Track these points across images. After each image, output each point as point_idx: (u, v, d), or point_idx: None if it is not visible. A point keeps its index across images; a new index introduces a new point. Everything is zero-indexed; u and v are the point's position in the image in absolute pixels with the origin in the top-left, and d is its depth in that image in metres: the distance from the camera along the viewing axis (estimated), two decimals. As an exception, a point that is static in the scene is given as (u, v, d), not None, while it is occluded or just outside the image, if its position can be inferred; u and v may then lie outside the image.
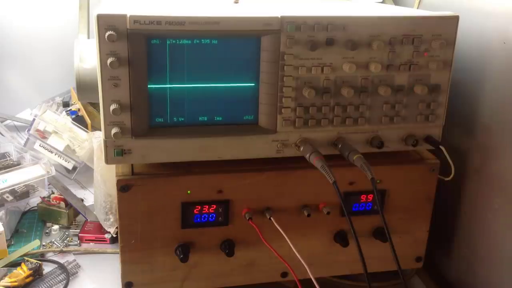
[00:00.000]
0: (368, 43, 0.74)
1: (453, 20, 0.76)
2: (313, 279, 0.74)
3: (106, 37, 0.65)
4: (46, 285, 0.90)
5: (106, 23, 0.65)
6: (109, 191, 0.95)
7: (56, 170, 1.11)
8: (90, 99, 0.82)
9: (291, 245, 0.75)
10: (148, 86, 0.70)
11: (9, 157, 1.15)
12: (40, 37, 1.36)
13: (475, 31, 0.87)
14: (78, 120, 1.21)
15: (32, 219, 1.09)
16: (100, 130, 0.84)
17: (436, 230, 0.92)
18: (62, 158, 1.19)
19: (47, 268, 0.94)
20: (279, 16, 0.70)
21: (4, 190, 1.01)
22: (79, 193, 1.16)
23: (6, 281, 0.87)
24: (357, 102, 0.76)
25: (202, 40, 0.70)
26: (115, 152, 0.73)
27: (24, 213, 1.10)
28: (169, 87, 0.72)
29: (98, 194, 0.99)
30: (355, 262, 0.70)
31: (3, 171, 1.05)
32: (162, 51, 0.69)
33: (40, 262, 0.92)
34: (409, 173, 0.85)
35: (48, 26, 1.35)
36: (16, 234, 1.03)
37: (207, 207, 0.79)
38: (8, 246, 0.97)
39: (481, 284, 0.91)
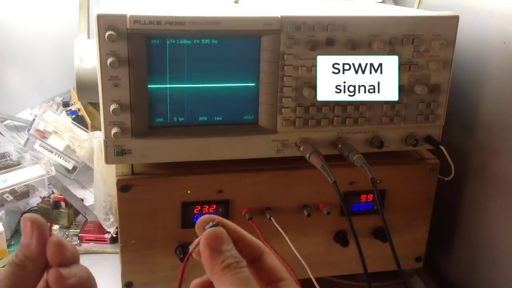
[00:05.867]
0: (368, 43, 0.74)
1: (453, 20, 0.76)
2: (313, 279, 0.73)
3: (106, 37, 0.65)
4: (46, 285, 0.89)
5: (106, 23, 0.65)
6: (109, 191, 0.95)
7: (56, 170, 1.11)
8: (90, 99, 0.82)
9: (291, 245, 0.75)
10: (148, 86, 0.70)
11: (9, 157, 1.15)
12: (40, 37, 1.36)
13: (475, 31, 0.87)
14: (78, 120, 1.21)
15: (32, 219, 1.08)
16: (100, 130, 0.84)
17: (436, 230, 0.91)
18: (62, 158, 1.19)
19: (47, 268, 0.94)
20: (279, 16, 0.70)
21: (4, 190, 1.01)
22: (79, 193, 1.16)
23: (6, 281, 0.87)
24: (357, 102, 0.76)
25: (202, 40, 0.70)
26: (115, 152, 0.73)
27: (24, 213, 1.10)
28: (169, 87, 0.72)
29: (98, 194, 0.99)
30: (355, 262, 0.70)
31: (3, 171, 1.05)
32: (162, 51, 0.69)
33: (40, 262, 0.92)
34: (409, 173, 0.84)
35: (48, 26, 1.35)
36: (16, 234, 1.03)
37: (207, 207, 0.79)
38: (8, 246, 0.97)
39: (481, 284, 0.91)
